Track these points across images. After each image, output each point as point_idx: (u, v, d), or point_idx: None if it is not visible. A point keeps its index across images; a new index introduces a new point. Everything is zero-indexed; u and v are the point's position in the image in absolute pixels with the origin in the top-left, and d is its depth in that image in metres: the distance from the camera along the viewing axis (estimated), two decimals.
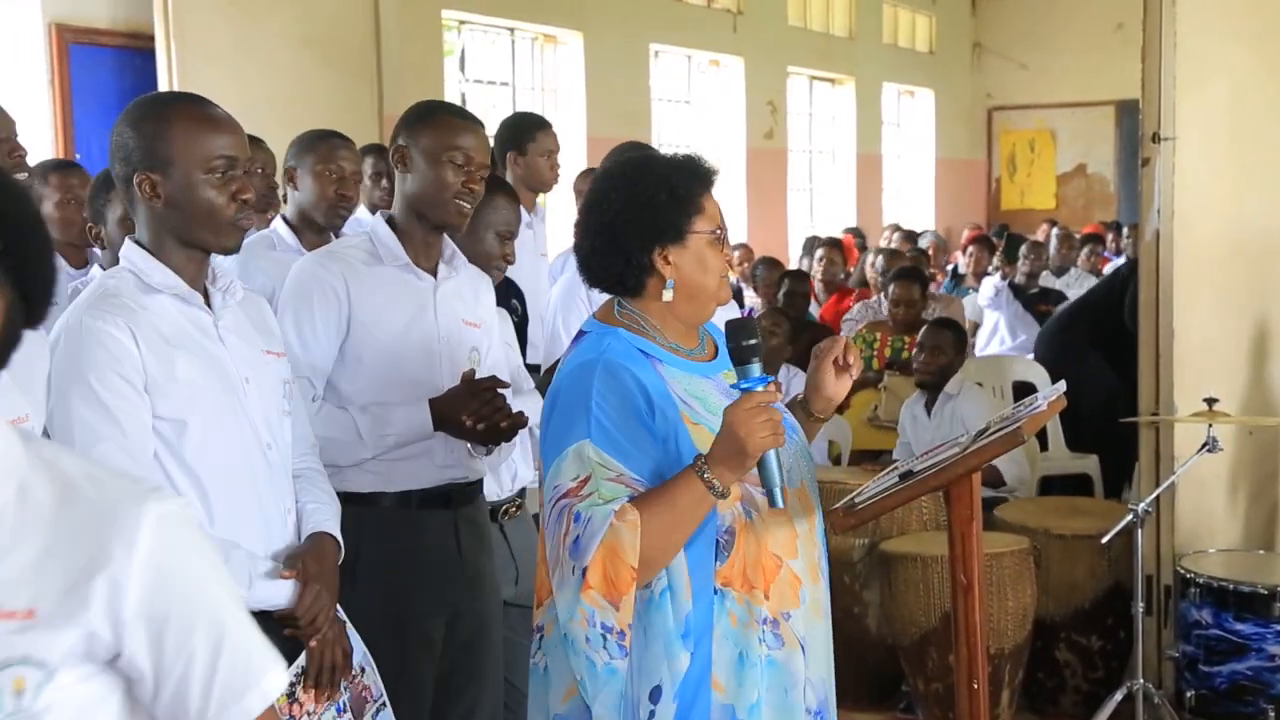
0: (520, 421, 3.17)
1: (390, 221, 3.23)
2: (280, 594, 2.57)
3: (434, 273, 3.23)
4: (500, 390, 3.14)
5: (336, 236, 4.19)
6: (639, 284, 2.54)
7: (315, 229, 4.15)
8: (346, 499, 2.97)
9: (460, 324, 3.24)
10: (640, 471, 2.40)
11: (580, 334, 2.59)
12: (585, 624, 2.35)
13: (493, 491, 3.55)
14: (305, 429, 2.86)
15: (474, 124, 3.23)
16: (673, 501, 2.36)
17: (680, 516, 2.36)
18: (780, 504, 2.40)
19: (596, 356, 2.47)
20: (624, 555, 2.31)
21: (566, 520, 2.36)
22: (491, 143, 3.38)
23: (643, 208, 2.50)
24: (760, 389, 2.37)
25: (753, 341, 2.41)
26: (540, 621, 2.60)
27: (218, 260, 2.68)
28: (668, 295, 2.53)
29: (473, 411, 3.09)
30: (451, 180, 3.14)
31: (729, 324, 2.47)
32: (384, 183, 5.03)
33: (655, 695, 2.41)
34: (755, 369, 2.40)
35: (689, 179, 2.53)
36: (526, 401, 3.46)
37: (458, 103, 11.28)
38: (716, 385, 2.56)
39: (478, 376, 3.17)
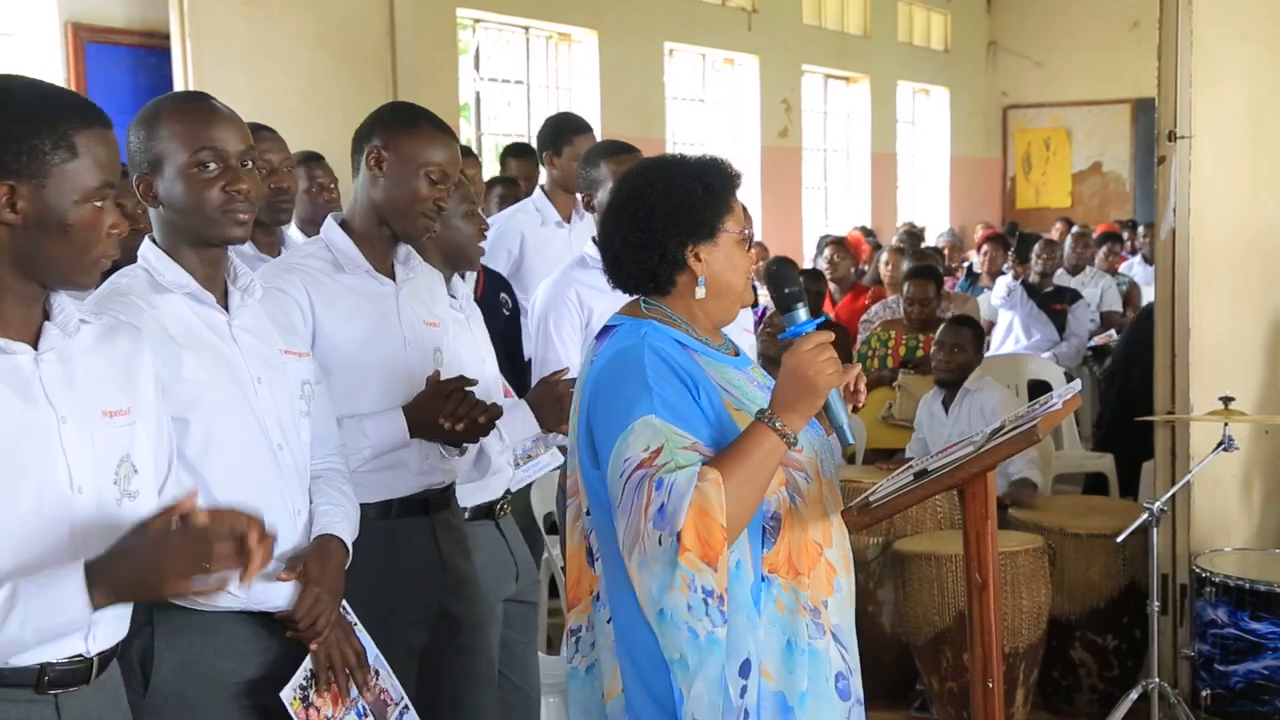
0: (496, 413, 3.14)
1: (344, 225, 3.15)
2: (278, 595, 2.56)
3: (391, 275, 3.16)
4: (469, 387, 3.10)
5: (302, 228, 4.12)
6: (670, 280, 2.55)
7: (262, 228, 4.04)
8: None
9: (422, 325, 3.19)
10: (705, 442, 2.41)
11: (607, 328, 2.59)
12: (686, 589, 2.34)
13: (486, 492, 3.51)
14: (329, 430, 2.84)
15: (453, 138, 3.18)
16: (749, 454, 2.36)
17: (757, 469, 2.37)
18: (851, 440, 2.47)
19: (638, 341, 2.48)
20: (714, 514, 2.31)
21: (647, 490, 2.33)
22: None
23: (679, 203, 2.52)
24: (813, 330, 2.42)
25: (795, 288, 2.49)
26: (578, 623, 2.60)
27: (235, 259, 2.67)
28: (700, 292, 2.54)
29: (449, 413, 3.05)
30: (425, 194, 3.08)
31: (768, 275, 2.53)
32: (323, 197, 4.82)
33: (745, 670, 2.40)
34: (802, 313, 2.47)
35: (721, 177, 2.56)
36: (516, 412, 3.43)
37: (472, 101, 11.32)
38: (748, 377, 2.59)
39: (442, 377, 3.13)
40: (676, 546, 2.30)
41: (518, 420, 3.41)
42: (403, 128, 3.12)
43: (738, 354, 2.66)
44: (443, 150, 3.11)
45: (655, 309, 2.56)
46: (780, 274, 2.54)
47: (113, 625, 2.23)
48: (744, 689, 2.40)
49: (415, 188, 3.09)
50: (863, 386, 2.65)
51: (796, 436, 2.39)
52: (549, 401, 3.43)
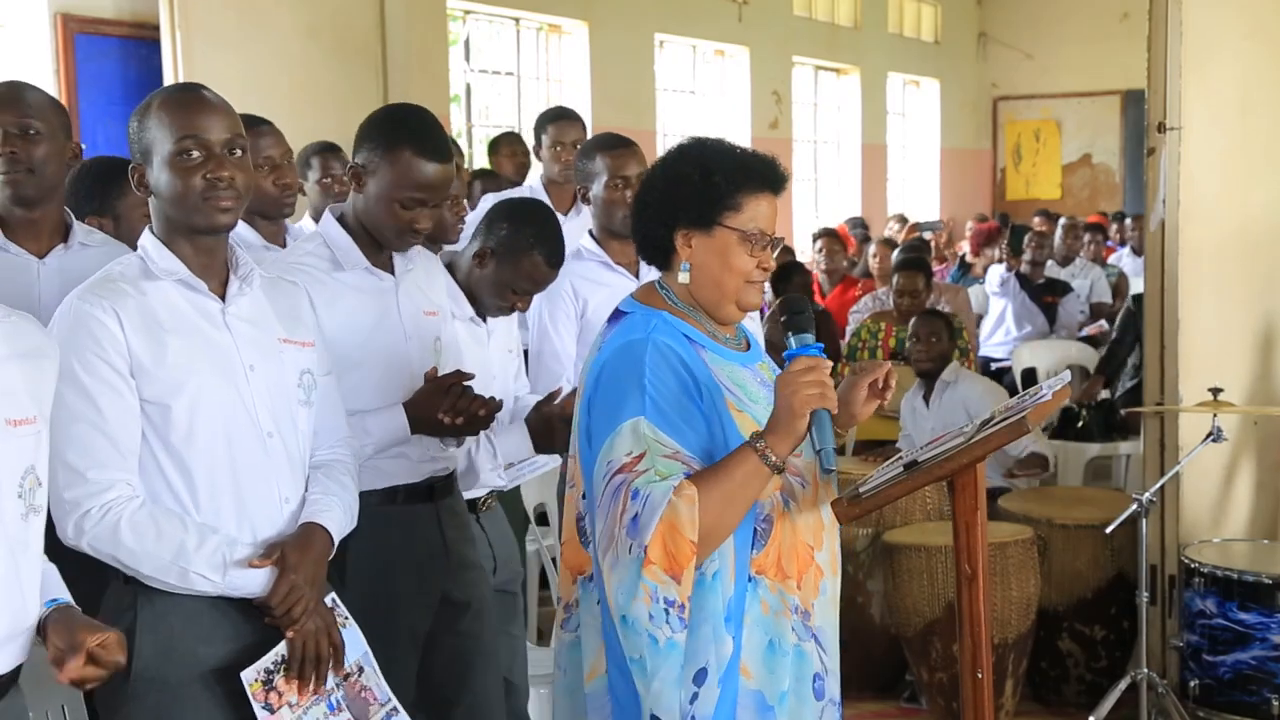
0: (495, 406, 3.17)
1: (342, 219, 3.17)
2: (253, 582, 2.56)
3: (390, 268, 3.19)
4: (467, 381, 3.15)
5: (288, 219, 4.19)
6: (665, 261, 2.57)
7: (266, 219, 4.06)
8: None
9: (422, 316, 3.22)
10: (693, 449, 2.42)
11: (619, 314, 2.59)
12: (649, 600, 2.34)
13: (490, 482, 3.54)
14: (335, 420, 2.85)
15: (438, 159, 3.09)
16: (729, 475, 2.37)
17: (735, 490, 2.37)
18: (832, 465, 2.41)
19: (645, 335, 2.48)
20: (683, 530, 2.32)
21: (624, 497, 2.36)
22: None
23: (671, 183, 2.53)
24: (811, 355, 2.41)
25: (804, 313, 2.47)
26: (573, 598, 2.60)
27: (238, 249, 2.69)
28: (683, 277, 2.53)
29: (447, 408, 3.10)
30: (403, 218, 3.09)
31: (783, 299, 2.51)
32: (337, 188, 4.81)
33: (700, 678, 2.42)
34: (807, 337, 2.45)
35: (731, 171, 2.51)
36: (513, 432, 3.47)
37: (463, 92, 11.29)
38: (754, 375, 2.59)
39: (441, 368, 3.18)
40: (643, 558, 2.32)
41: (514, 440, 3.44)
42: (383, 151, 3.10)
43: (749, 347, 2.65)
44: (422, 175, 3.07)
45: (668, 296, 2.56)
46: (794, 299, 2.54)
47: (5, 653, 2.23)
48: (694, 696, 2.41)
49: (393, 212, 3.09)
50: (892, 383, 2.64)
51: (781, 461, 2.38)
52: (545, 430, 3.45)
